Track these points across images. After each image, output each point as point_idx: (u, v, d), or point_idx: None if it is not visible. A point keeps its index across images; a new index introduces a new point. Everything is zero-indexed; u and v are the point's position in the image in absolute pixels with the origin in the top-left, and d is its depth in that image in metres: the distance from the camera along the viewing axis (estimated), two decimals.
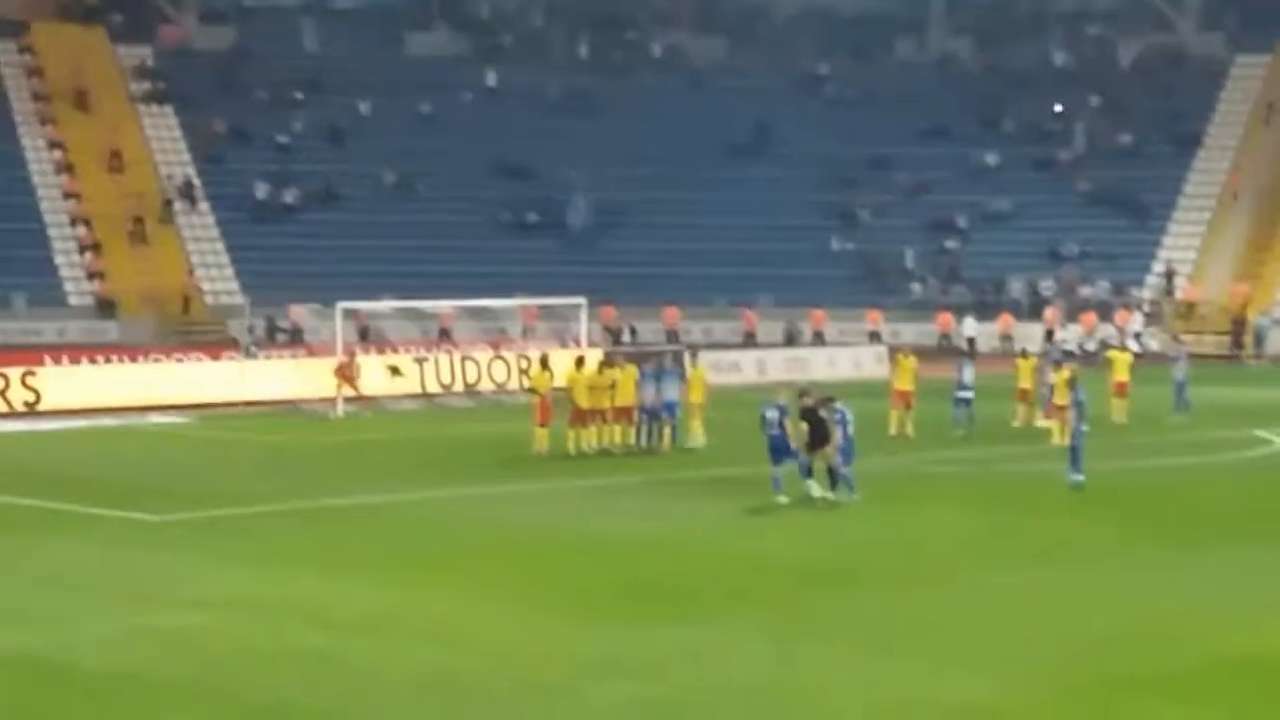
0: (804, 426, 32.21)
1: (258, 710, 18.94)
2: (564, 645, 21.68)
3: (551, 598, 24.35)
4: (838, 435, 32.13)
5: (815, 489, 31.94)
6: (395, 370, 54.05)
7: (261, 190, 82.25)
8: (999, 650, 21.36)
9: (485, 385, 54.29)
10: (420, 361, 54.50)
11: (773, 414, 32.26)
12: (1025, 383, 45.00)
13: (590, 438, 40.00)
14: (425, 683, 19.93)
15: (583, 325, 55.70)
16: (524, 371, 53.84)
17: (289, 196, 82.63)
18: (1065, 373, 40.10)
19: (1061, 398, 39.33)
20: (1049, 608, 23.82)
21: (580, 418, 39.86)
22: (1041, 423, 43.88)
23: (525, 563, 27.11)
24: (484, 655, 21.15)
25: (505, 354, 55.94)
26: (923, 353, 50.99)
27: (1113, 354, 48.18)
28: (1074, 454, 34.30)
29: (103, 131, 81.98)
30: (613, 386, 40.03)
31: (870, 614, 23.40)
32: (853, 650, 21.39)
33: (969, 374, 44.22)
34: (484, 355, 55.70)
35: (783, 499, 31.55)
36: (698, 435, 40.97)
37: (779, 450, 32.13)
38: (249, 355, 56.87)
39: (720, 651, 21.31)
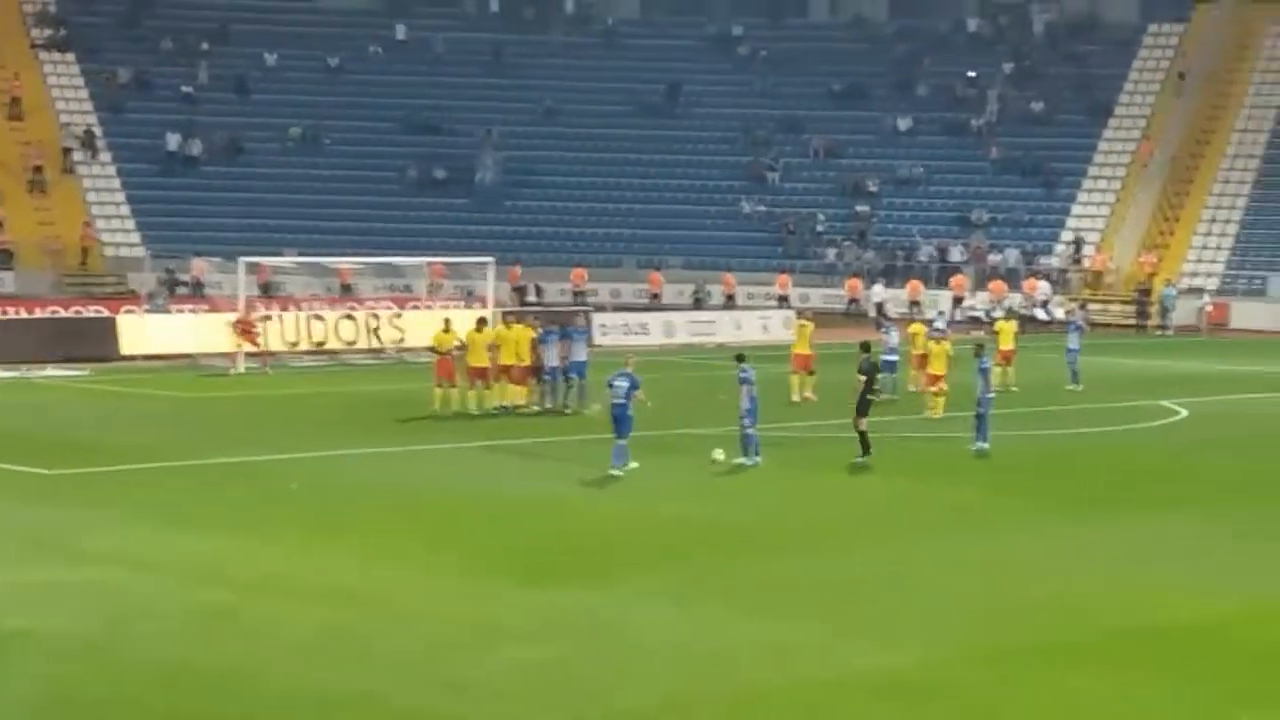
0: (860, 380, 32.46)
1: (156, 667, 18.58)
2: (464, 606, 21.42)
3: (451, 558, 24.04)
4: (743, 394, 31.87)
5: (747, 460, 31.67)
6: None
7: (165, 141, 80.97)
8: (909, 618, 21.19)
9: (332, 344, 52.49)
10: (264, 320, 52.16)
11: (621, 383, 31.31)
12: (919, 349, 44.74)
13: (492, 397, 39.51)
14: (324, 641, 19.65)
15: (490, 284, 55.07)
16: (374, 331, 53.13)
17: (193, 148, 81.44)
18: (945, 345, 39.98)
19: (939, 368, 39.10)
20: (958, 576, 23.70)
21: (480, 376, 39.34)
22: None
23: (424, 523, 26.82)
24: (384, 615, 20.88)
25: (355, 312, 54.54)
26: (829, 318, 50.98)
27: (1000, 324, 48.17)
28: (980, 422, 34.19)
29: (3, 78, 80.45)
30: (494, 346, 39.38)
31: (776, 579, 23.17)
32: (757, 616, 21.15)
33: (894, 338, 44.11)
34: (332, 313, 53.94)
35: (616, 472, 30.61)
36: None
37: (622, 421, 31.06)
38: (155, 309, 55.80)
39: (623, 615, 21.04)
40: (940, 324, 46.15)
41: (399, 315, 54.70)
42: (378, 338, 53.43)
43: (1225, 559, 25.24)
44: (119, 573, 22.81)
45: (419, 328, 51.53)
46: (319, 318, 53.36)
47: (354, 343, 53.01)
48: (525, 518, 27.38)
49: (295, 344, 51.80)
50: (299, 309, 54.22)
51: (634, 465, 30.84)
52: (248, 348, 49.34)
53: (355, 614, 20.86)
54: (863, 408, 32.51)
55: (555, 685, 18.28)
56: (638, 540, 25.76)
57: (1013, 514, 28.51)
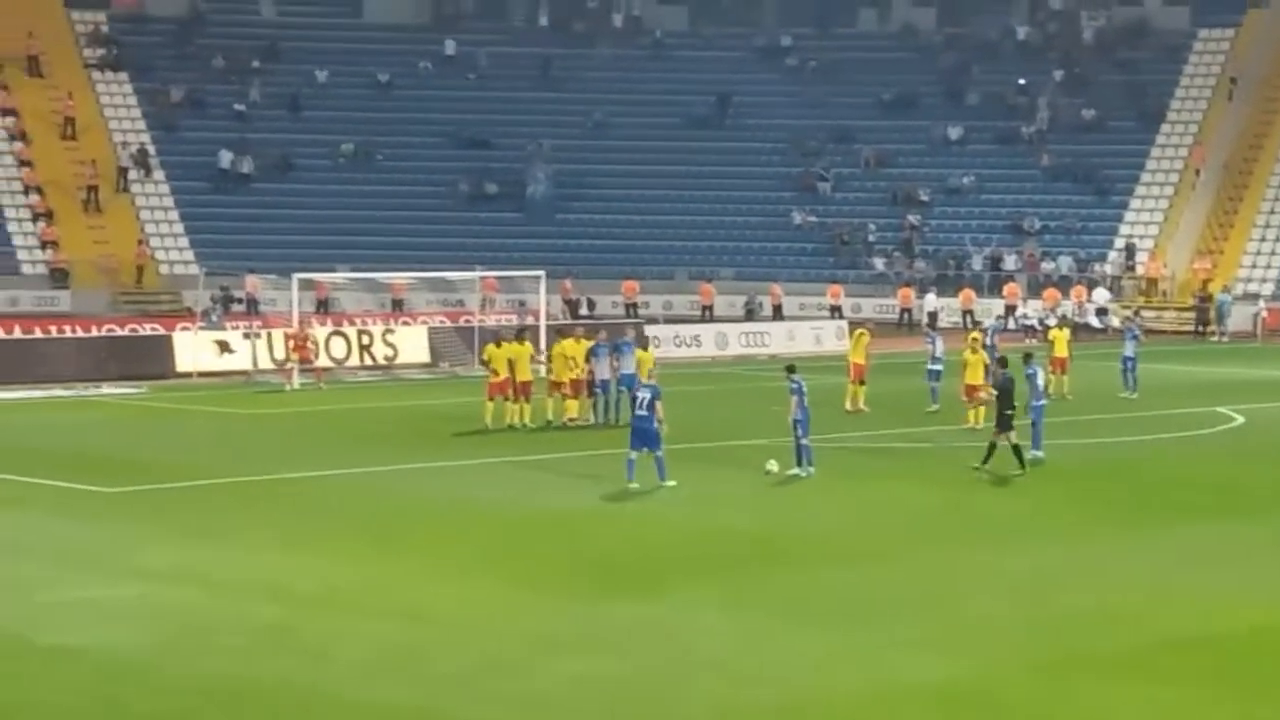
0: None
1: (213, 684, 18.66)
2: (521, 620, 21.46)
3: (505, 573, 24.10)
4: (793, 405, 31.86)
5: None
6: (224, 347, 51.90)
7: (218, 159, 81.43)
8: (959, 629, 21.15)
9: (324, 361, 51.03)
10: (250, 337, 52.17)
11: (643, 394, 31.04)
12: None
13: (542, 412, 39.54)
14: (382, 657, 19.68)
15: (542, 298, 55.22)
16: (366, 348, 52.91)
17: (245, 165, 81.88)
18: (982, 355, 39.70)
19: (974, 378, 38.83)
20: (1009, 586, 23.64)
21: (525, 391, 39.38)
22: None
23: (479, 538, 26.86)
24: (441, 630, 20.94)
25: (346, 329, 54.33)
26: (882, 328, 51.07)
27: (1054, 332, 48.00)
28: (1033, 430, 34.08)
29: (56, 98, 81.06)
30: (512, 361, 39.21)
31: (826, 589, 23.19)
32: (810, 627, 21.17)
33: (939, 347, 44.08)
34: (323, 330, 53.69)
35: (634, 486, 30.39)
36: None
37: (642, 434, 30.58)
38: (210, 325, 56.09)
39: (678, 627, 21.07)
40: (991, 333, 46.11)
41: (391, 330, 54.72)
42: (370, 355, 53.40)
43: None
44: (175, 589, 22.95)
45: (409, 343, 52.02)
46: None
47: (344, 360, 52.58)
48: (577, 531, 27.44)
49: (282, 362, 50.50)
50: (345, 324, 54.57)
51: (672, 483, 30.51)
52: (302, 363, 49.58)
53: (412, 629, 20.94)
54: (1001, 423, 32.34)
55: (609, 697, 18.34)
56: (690, 552, 25.76)
57: (1064, 523, 28.39)
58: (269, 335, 51.84)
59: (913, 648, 20.18)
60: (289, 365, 49.22)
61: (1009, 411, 32.29)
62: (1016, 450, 32.25)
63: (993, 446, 32.38)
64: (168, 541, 26.24)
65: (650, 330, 58.75)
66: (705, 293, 74.40)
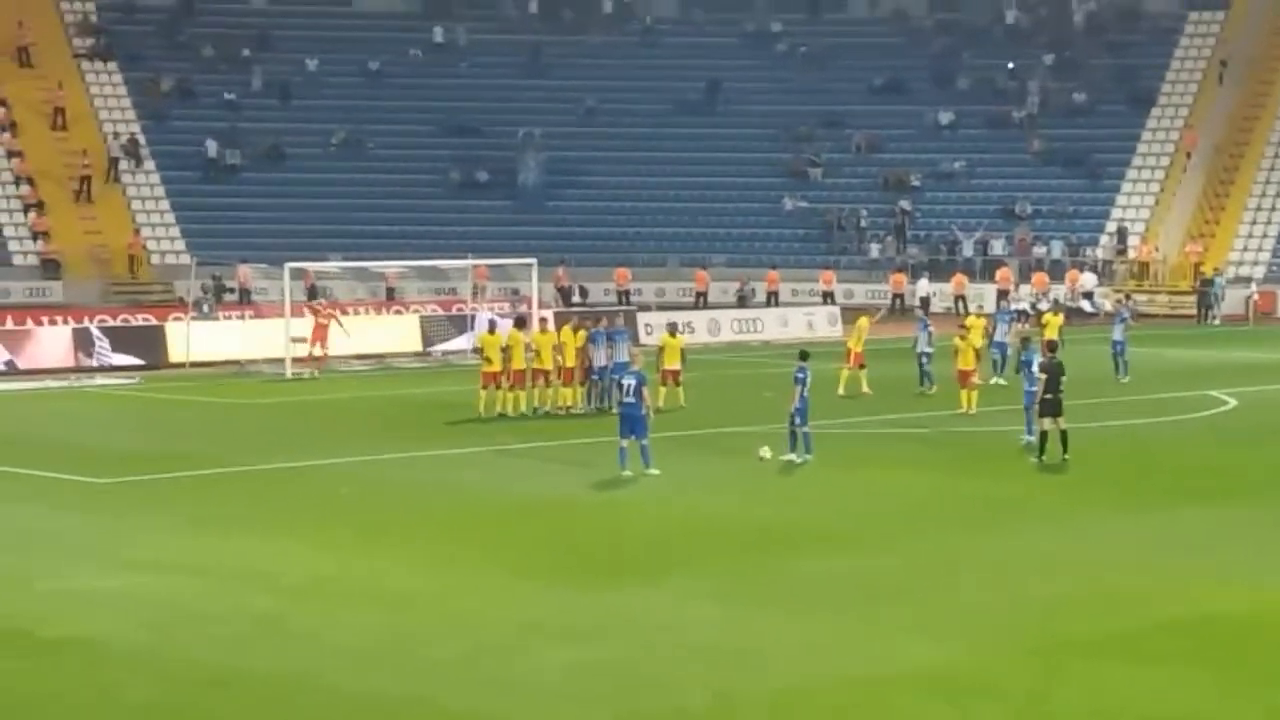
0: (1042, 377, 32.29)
1: (206, 673, 18.68)
2: (512, 607, 21.47)
3: (498, 560, 24.10)
4: (796, 394, 31.84)
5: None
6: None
7: (208, 149, 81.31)
8: (955, 614, 21.18)
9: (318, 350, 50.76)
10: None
11: (630, 381, 30.86)
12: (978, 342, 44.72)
13: (522, 400, 39.39)
14: (374, 645, 19.70)
15: (534, 286, 55.18)
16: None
17: (235, 155, 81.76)
18: (972, 340, 39.86)
19: (966, 363, 38.94)
20: (1002, 570, 23.65)
21: (518, 379, 39.36)
22: (994, 380, 44.04)
23: (471, 526, 26.87)
24: (432, 618, 20.95)
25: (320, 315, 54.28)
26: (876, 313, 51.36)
27: (1046, 316, 48.03)
28: (1028, 414, 34.07)
29: (46, 88, 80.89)
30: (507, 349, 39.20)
31: (822, 577, 23.18)
32: (804, 614, 21.16)
33: (930, 333, 44.17)
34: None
35: (626, 473, 30.33)
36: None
37: (630, 421, 30.48)
38: (203, 315, 56.04)
39: (670, 615, 21.08)
40: (998, 322, 46.31)
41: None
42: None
43: (1276, 549, 25.08)
44: (169, 579, 22.96)
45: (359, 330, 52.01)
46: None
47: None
48: (570, 519, 27.44)
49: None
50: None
51: (655, 472, 30.36)
52: (318, 350, 49.52)
53: (405, 617, 20.95)
54: (1045, 407, 32.19)
55: (603, 685, 18.34)
56: (684, 539, 25.77)
57: (1059, 506, 28.41)
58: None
59: (906, 633, 20.20)
60: (316, 353, 49.29)
61: (1051, 396, 32.09)
62: (1063, 436, 32.16)
63: (1045, 435, 32.29)
64: (159, 531, 26.25)
65: (642, 318, 58.87)
66: (700, 279, 74.37)
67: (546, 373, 39.79)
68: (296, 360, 49.44)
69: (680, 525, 26.82)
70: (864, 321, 44.44)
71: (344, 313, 55.00)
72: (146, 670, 18.87)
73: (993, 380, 44.08)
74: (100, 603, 21.79)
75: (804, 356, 32.68)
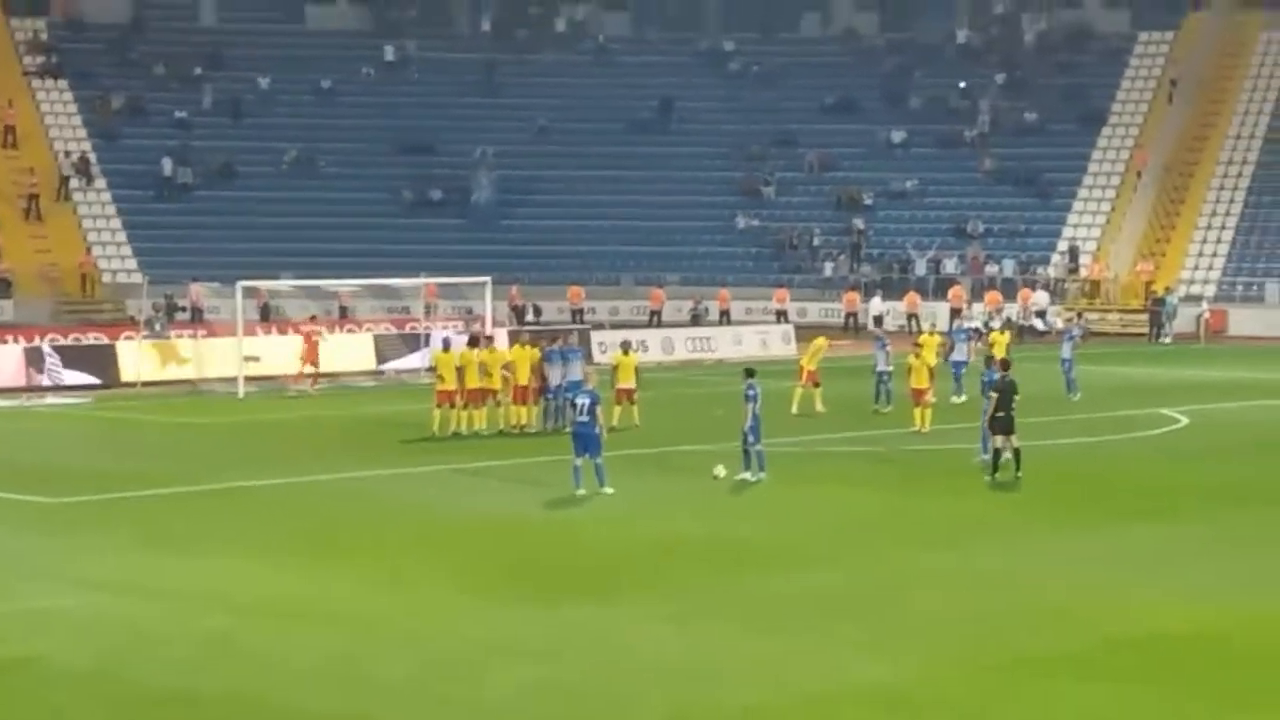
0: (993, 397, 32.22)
1: (158, 694, 18.62)
2: (467, 627, 21.45)
3: (450, 579, 24.07)
4: (748, 412, 31.87)
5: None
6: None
7: (160, 167, 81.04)
8: (905, 632, 21.23)
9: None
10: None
11: (583, 400, 30.83)
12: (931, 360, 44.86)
13: (479, 419, 39.44)
14: (325, 665, 19.66)
15: (487, 304, 55.13)
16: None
17: (187, 173, 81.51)
18: (926, 358, 40.01)
19: (920, 382, 39.09)
20: (954, 588, 23.72)
21: (476, 398, 39.32)
22: (955, 398, 44.21)
23: (423, 544, 26.83)
24: (386, 637, 20.89)
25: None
26: (828, 332, 51.57)
27: (994, 335, 48.20)
28: (984, 433, 34.14)
29: None
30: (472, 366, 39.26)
31: (774, 595, 23.20)
32: (759, 632, 21.19)
33: (885, 353, 44.32)
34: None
35: (580, 492, 30.30)
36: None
37: (584, 440, 30.48)
38: (155, 334, 55.77)
39: (623, 633, 21.09)
40: (956, 338, 46.52)
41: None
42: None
43: (1225, 567, 25.21)
44: (118, 599, 22.84)
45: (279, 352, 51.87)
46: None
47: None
48: (524, 538, 27.41)
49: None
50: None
51: (610, 490, 30.36)
52: (309, 369, 49.47)
53: (355, 636, 20.89)
54: (997, 425, 32.17)
55: (555, 704, 18.32)
56: (638, 558, 25.77)
57: (1010, 524, 28.52)
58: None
59: (859, 650, 20.25)
60: (304, 372, 49.27)
61: (1003, 414, 32.16)
62: (1016, 454, 32.25)
63: (998, 454, 32.39)
64: (112, 551, 26.15)
65: (596, 336, 58.87)
66: (655, 298, 74.42)
67: (495, 391, 39.79)
68: (295, 378, 49.45)
69: (635, 544, 26.82)
70: (821, 341, 44.57)
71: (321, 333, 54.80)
72: (97, 691, 18.77)
73: (953, 399, 44.22)
74: (51, 623, 21.67)
75: (750, 374, 32.70)
